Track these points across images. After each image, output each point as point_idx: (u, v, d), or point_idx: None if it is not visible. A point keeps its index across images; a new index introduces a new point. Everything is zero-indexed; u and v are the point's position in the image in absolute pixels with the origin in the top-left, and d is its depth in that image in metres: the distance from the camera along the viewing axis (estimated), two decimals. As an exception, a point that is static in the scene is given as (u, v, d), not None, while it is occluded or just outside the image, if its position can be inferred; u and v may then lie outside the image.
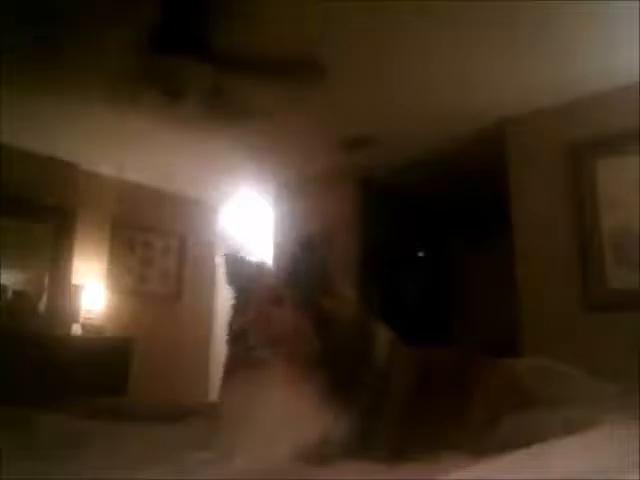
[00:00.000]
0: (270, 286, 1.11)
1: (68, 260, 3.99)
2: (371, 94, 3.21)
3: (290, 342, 1.05)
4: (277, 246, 4.57)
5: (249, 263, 1.20)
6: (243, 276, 1.17)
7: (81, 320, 3.91)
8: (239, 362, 1.10)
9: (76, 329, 3.92)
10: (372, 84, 3.09)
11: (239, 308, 1.16)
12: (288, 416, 1.00)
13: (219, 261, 5.32)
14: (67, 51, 2.71)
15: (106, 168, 4.25)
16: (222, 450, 1.04)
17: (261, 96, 3.05)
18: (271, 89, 2.96)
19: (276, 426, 1.00)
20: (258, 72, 2.62)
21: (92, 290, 4.01)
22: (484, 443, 0.93)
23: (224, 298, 5.03)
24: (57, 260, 3.96)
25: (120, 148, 3.97)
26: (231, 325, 1.13)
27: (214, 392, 4.37)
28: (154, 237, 4.67)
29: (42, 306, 3.86)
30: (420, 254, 5.03)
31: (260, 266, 1.19)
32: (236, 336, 1.08)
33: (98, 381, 3.29)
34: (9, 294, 3.70)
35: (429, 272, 4.97)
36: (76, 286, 3.96)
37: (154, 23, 2.38)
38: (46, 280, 3.91)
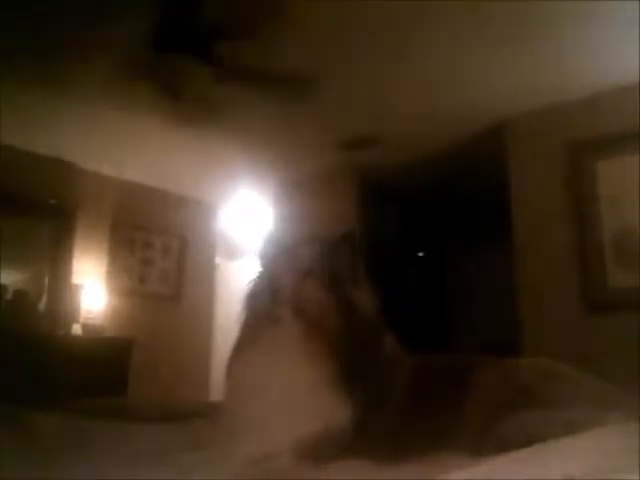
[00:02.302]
0: (303, 262, 1.13)
1: (68, 260, 3.99)
2: (371, 94, 3.21)
3: (312, 313, 1.06)
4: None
5: (285, 243, 1.22)
6: (276, 253, 1.19)
7: (81, 320, 3.91)
8: (256, 325, 1.11)
9: (76, 329, 3.92)
10: (372, 84, 3.09)
11: (265, 277, 1.17)
12: (295, 399, 1.01)
13: (218, 261, 5.33)
14: (67, 51, 2.71)
15: (106, 168, 4.25)
16: (222, 441, 1.04)
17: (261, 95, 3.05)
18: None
19: (281, 408, 1.01)
20: (257, 85, 2.61)
21: (92, 290, 4.01)
22: (484, 443, 0.93)
23: (224, 298, 5.04)
24: (57, 260, 3.96)
25: (120, 148, 3.97)
26: (254, 289, 1.16)
27: (214, 392, 4.37)
28: (154, 237, 4.66)
29: (42, 306, 3.86)
30: (420, 254, 5.04)
31: (296, 246, 1.21)
32: (264, 291, 1.10)
33: (98, 381, 3.29)
34: (9, 294, 3.70)
35: (429, 272, 4.97)
36: (76, 286, 3.96)
37: (154, 23, 2.38)
38: (46, 280, 3.91)
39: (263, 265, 1.21)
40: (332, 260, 1.12)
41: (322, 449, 0.96)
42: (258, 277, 1.20)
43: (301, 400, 1.01)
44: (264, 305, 1.10)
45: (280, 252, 1.18)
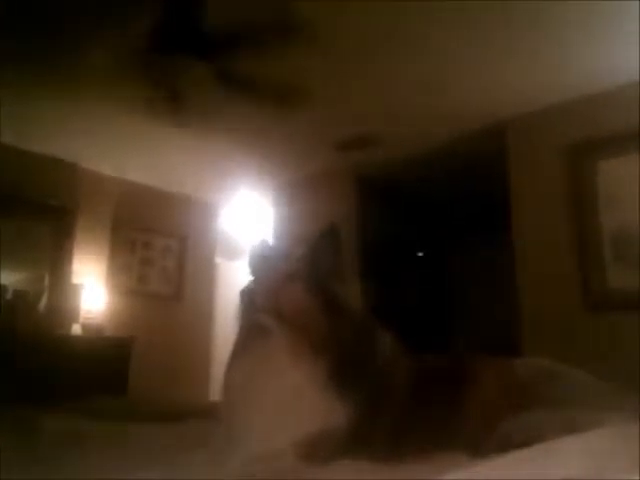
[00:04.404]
0: (284, 264, 1.12)
1: (68, 260, 3.99)
2: (370, 94, 3.21)
3: (297, 319, 1.05)
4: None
5: (271, 247, 1.22)
6: (262, 257, 1.18)
7: (81, 320, 3.91)
8: (247, 334, 1.11)
9: (76, 329, 3.92)
10: (372, 84, 3.09)
11: (250, 284, 1.16)
12: (290, 403, 1.00)
13: (219, 261, 5.33)
14: (67, 51, 2.71)
15: (106, 168, 4.25)
16: (221, 441, 1.04)
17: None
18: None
19: (277, 413, 1.00)
20: (252, 45, 2.59)
21: (92, 290, 4.01)
22: (484, 443, 0.93)
23: (224, 298, 5.04)
24: (57, 260, 3.95)
25: (120, 148, 3.97)
26: (246, 295, 1.14)
27: (214, 392, 4.37)
28: (154, 237, 4.67)
29: (42, 306, 3.86)
30: (420, 254, 5.04)
31: (281, 248, 1.20)
32: (244, 298, 1.09)
33: (98, 381, 3.29)
34: (9, 294, 3.70)
35: (429, 272, 4.97)
36: (76, 286, 3.96)
37: (154, 23, 2.38)
38: (46, 280, 3.91)
39: (252, 272, 1.20)
40: (315, 259, 1.11)
41: (320, 450, 0.96)
42: (249, 284, 1.19)
43: (294, 403, 1.00)
44: (252, 313, 1.09)
45: (265, 257, 1.17)
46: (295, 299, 1.06)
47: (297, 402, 1.00)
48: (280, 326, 1.04)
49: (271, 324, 1.05)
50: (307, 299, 1.06)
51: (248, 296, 1.12)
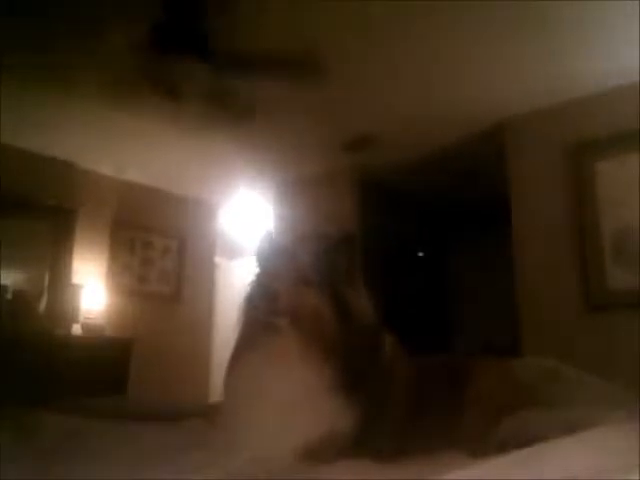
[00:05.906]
0: (299, 266, 1.11)
1: (68, 260, 3.98)
2: (371, 94, 3.21)
3: (310, 321, 1.05)
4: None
5: (282, 244, 1.21)
6: (273, 254, 1.17)
7: (81, 320, 3.91)
8: (254, 332, 1.10)
9: (76, 329, 3.92)
10: (372, 84, 3.09)
11: (262, 282, 1.15)
12: (296, 405, 1.00)
13: (218, 261, 5.33)
14: (67, 51, 2.71)
15: (106, 168, 4.25)
16: (221, 441, 1.04)
17: (261, 96, 3.05)
18: (271, 89, 2.96)
19: (283, 415, 1.00)
20: (258, 72, 2.62)
21: (92, 290, 4.01)
22: (484, 443, 0.93)
23: (224, 298, 5.04)
24: (57, 260, 3.95)
25: (120, 148, 3.97)
26: (252, 293, 1.14)
27: (214, 392, 4.37)
28: (154, 237, 4.66)
29: (42, 306, 3.85)
30: (420, 254, 5.04)
31: (293, 248, 1.20)
32: (261, 298, 1.08)
33: (98, 381, 3.29)
34: (9, 294, 3.69)
35: (429, 272, 4.97)
36: (76, 286, 3.96)
37: (154, 23, 2.38)
38: (46, 280, 3.91)
39: (260, 266, 1.19)
40: (329, 263, 1.11)
41: (324, 452, 0.96)
42: (255, 279, 1.18)
43: (301, 405, 1.00)
44: (261, 311, 1.09)
45: (277, 253, 1.17)
46: (309, 302, 1.06)
47: (304, 404, 1.00)
48: (292, 328, 1.04)
49: (283, 325, 1.05)
50: (321, 303, 1.06)
51: (257, 293, 1.12)
